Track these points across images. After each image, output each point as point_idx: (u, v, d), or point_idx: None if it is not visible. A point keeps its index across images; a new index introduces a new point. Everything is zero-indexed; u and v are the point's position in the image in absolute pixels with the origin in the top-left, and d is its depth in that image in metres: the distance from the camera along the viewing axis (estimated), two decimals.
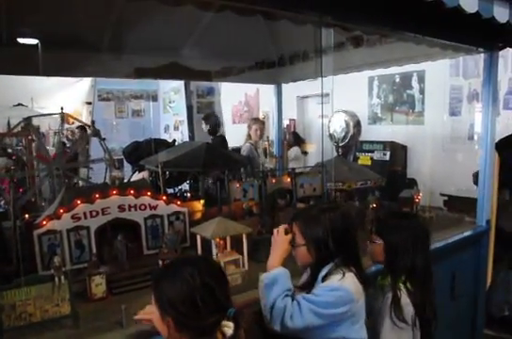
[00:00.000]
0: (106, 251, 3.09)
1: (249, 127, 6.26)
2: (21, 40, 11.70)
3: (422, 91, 7.32)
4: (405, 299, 2.32)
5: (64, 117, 4.32)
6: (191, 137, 6.87)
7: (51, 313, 2.49)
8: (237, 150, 6.35)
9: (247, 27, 5.18)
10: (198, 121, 7.18)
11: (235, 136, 8.15)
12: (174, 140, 5.64)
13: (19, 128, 4.13)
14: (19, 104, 10.47)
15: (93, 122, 4.04)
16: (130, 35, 8.49)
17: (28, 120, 4.00)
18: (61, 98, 11.35)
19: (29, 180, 4.19)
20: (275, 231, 2.39)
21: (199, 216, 3.84)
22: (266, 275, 2.21)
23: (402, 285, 2.36)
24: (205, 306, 1.41)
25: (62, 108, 4.37)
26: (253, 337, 1.75)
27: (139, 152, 5.44)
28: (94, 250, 3.07)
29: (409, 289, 2.37)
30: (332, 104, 8.20)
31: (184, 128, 6.98)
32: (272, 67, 6.72)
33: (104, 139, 3.99)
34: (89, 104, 10.31)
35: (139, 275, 3.05)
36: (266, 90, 8.31)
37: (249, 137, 6.21)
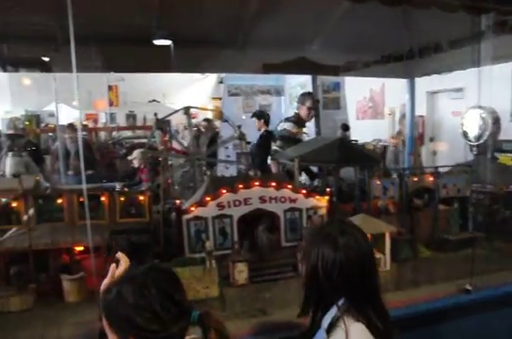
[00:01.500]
0: (248, 240, 3.18)
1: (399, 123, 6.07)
2: (156, 42, 12.60)
3: None
4: None
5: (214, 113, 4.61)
6: (318, 132, 6.86)
7: (201, 294, 2.64)
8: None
9: (380, 19, 4.97)
10: (324, 117, 7.12)
11: (359, 132, 7.94)
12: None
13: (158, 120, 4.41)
14: (153, 101, 11.43)
15: (239, 126, 4.14)
16: (259, 31, 8.70)
17: (187, 109, 4.25)
18: (189, 94, 12.15)
19: (163, 169, 4.43)
20: None
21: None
22: None
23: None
24: (167, 314, 1.25)
25: (217, 107, 4.64)
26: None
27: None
28: (236, 239, 3.17)
29: None
30: (468, 99, 7.58)
31: (310, 123, 6.99)
32: (401, 60, 6.39)
33: (248, 143, 4.10)
34: (217, 99, 10.86)
35: (278, 266, 3.10)
36: (393, 85, 7.95)
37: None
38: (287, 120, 5.41)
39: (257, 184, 3.19)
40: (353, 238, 1.64)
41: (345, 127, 5.00)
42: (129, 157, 5.35)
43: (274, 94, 7.27)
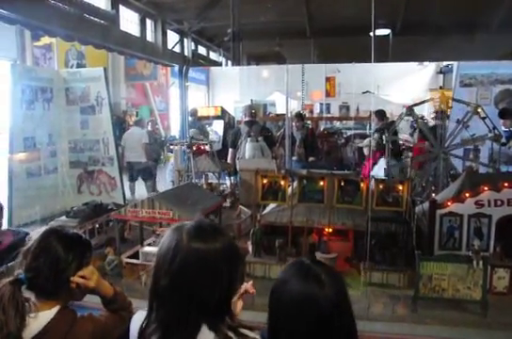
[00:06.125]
0: (508, 245, 2.89)
1: None
2: (375, 32, 12.36)
3: None
4: None
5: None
6: None
7: (461, 294, 2.51)
8: None
9: None
10: None
11: None
12: None
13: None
14: (367, 92, 11.37)
15: (495, 128, 3.67)
16: (498, 12, 7.77)
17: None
18: (404, 85, 11.72)
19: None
20: None
21: None
22: None
23: None
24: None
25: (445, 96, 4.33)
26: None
27: None
28: (492, 241, 2.92)
29: None
30: None
31: None
32: None
33: (504, 145, 3.70)
34: (435, 91, 10.22)
35: None
36: None
37: None
38: None
39: None
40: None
41: None
42: (359, 144, 5.35)
43: None
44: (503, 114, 4.28)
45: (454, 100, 4.53)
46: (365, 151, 5.11)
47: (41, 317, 1.42)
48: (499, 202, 2.90)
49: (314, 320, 1.24)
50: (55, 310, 1.46)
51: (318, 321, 1.24)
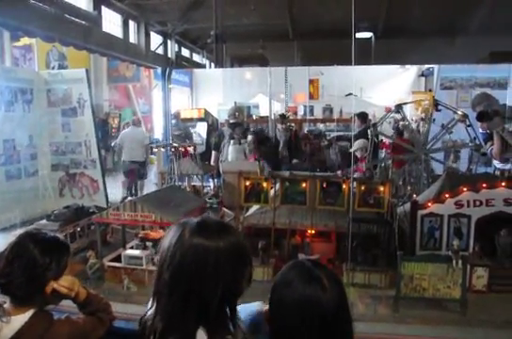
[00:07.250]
0: (486, 244, 2.95)
1: None
2: (358, 35, 12.59)
3: None
4: None
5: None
6: None
7: (442, 293, 2.55)
8: None
9: None
10: None
11: None
12: None
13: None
14: (349, 94, 11.46)
15: (475, 138, 3.71)
16: (486, 16, 7.91)
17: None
18: (386, 88, 11.86)
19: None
20: None
21: None
22: None
23: None
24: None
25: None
26: None
27: None
28: (472, 241, 2.97)
29: None
30: None
31: None
32: None
33: (484, 155, 3.75)
34: (418, 93, 10.36)
35: None
36: None
37: None
38: None
39: (503, 184, 2.92)
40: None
41: None
42: (352, 149, 5.30)
43: (495, 87, 6.56)
44: (480, 117, 4.37)
45: (441, 105, 4.61)
46: (358, 153, 5.06)
47: (15, 322, 1.37)
48: (478, 203, 2.96)
49: (317, 322, 1.23)
50: (29, 313, 1.41)
51: (321, 323, 1.24)
